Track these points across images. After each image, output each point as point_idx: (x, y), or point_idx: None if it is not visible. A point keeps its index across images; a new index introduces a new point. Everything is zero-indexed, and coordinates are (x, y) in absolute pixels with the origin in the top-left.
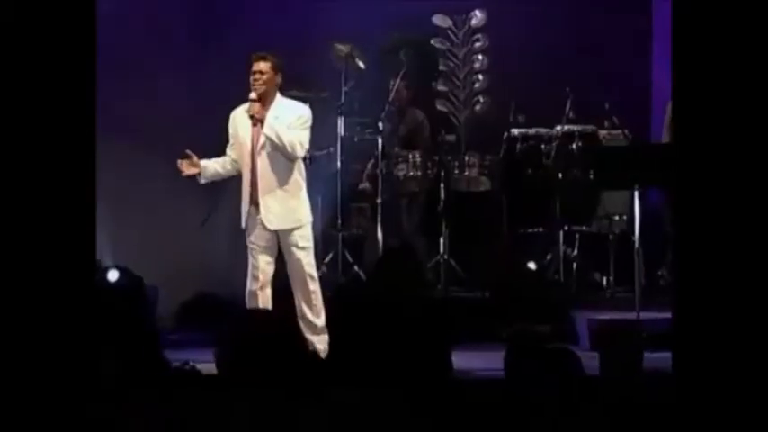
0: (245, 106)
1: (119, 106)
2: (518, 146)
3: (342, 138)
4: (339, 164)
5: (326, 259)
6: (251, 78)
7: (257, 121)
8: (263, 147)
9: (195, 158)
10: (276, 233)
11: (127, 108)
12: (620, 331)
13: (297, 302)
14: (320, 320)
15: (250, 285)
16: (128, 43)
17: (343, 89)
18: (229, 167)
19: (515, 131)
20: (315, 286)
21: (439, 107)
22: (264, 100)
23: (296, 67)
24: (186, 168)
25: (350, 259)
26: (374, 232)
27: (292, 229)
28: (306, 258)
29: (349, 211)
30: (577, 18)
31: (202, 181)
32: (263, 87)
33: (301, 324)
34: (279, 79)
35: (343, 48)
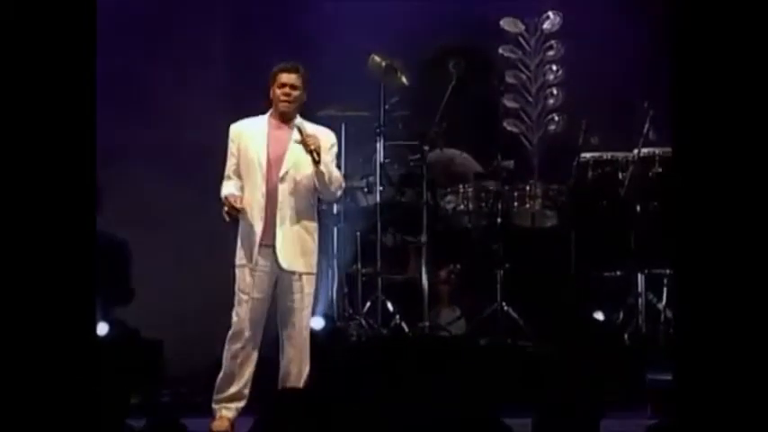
0: (252, 121)
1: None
2: (590, 173)
3: (382, 164)
4: (378, 195)
5: (365, 308)
6: (279, 92)
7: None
8: (286, 175)
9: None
10: (276, 280)
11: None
12: None
13: (286, 360)
14: (302, 380)
15: (230, 342)
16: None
17: (383, 108)
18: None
19: (587, 155)
20: (307, 343)
21: (508, 127)
22: (287, 119)
23: (330, 83)
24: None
25: (390, 308)
26: (420, 276)
27: (301, 275)
28: (308, 310)
29: (405, 251)
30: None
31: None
32: (294, 105)
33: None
34: (305, 97)
35: (381, 60)
